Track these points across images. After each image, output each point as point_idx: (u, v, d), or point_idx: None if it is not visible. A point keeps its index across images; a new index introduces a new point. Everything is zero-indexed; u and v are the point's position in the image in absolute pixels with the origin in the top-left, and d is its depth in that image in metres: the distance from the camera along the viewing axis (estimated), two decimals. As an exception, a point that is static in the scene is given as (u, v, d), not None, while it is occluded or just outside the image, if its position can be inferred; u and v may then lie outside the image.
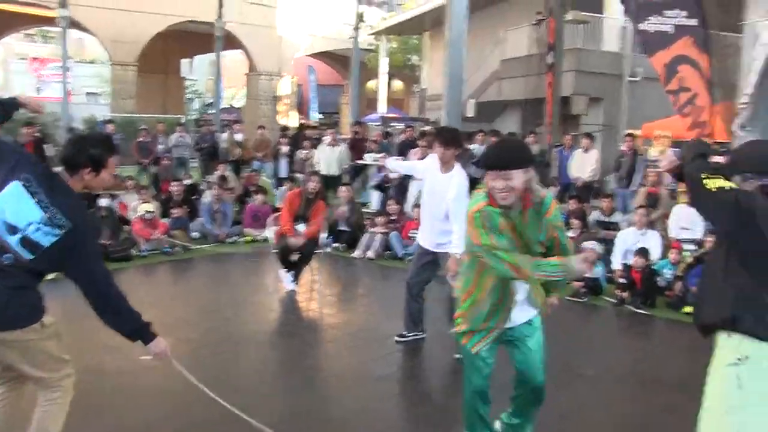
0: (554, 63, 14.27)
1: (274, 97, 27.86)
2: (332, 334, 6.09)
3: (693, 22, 9.25)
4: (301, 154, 12.86)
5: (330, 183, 11.79)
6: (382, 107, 27.17)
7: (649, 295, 7.00)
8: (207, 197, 10.37)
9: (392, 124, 20.21)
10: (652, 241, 7.87)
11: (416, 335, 5.61)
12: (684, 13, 9.31)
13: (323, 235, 7.82)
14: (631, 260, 7.46)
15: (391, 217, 9.48)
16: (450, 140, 5.11)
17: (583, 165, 10.99)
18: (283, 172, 13.07)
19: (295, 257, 7.19)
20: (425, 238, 5.39)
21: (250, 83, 28.49)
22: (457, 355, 4.77)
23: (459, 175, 5.12)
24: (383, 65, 27.10)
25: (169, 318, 5.94)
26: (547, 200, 3.08)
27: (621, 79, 17.15)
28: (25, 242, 2.66)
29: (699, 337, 2.66)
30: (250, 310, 6.77)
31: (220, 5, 19.45)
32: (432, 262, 5.37)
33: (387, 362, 5.28)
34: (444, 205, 5.09)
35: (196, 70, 37.23)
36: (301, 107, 30.49)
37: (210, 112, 36.57)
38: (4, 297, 2.64)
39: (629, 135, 10.46)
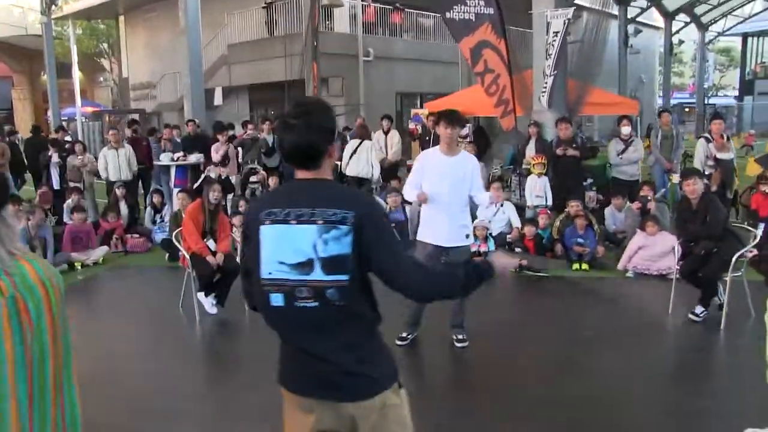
0: (317, 46, 14.52)
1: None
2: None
3: (490, 10, 10.29)
4: (75, 160, 11.17)
5: (129, 189, 10.64)
6: (78, 100, 24.46)
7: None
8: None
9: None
10: (510, 211, 8.80)
11: (413, 335, 5.59)
12: (482, 2, 10.29)
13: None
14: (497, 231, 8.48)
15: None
16: (456, 119, 5.02)
17: (390, 146, 11.52)
18: (56, 184, 11.21)
19: (215, 277, 6.50)
20: (441, 234, 5.09)
21: None
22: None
23: (469, 156, 5.32)
24: (74, 54, 24.20)
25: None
26: None
27: (357, 59, 18.14)
28: (327, 265, 2.05)
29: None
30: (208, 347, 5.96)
31: None
32: (440, 257, 5.12)
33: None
34: (465, 187, 5.06)
35: None
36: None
37: None
38: (347, 357, 2.12)
39: (431, 115, 11.23)
